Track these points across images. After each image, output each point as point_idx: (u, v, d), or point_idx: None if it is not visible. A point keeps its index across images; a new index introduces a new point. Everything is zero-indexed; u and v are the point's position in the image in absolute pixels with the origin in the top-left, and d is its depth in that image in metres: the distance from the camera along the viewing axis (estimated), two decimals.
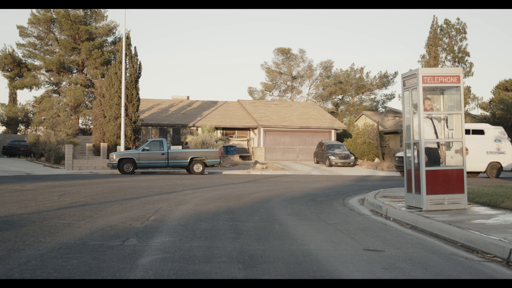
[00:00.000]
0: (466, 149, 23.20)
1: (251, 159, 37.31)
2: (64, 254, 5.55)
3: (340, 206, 10.76)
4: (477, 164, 24.02)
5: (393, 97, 63.12)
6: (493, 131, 24.93)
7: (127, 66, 30.13)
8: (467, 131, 24.53)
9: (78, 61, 46.63)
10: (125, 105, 28.94)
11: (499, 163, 24.31)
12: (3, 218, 8.20)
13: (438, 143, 9.16)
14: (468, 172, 25.16)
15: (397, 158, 25.09)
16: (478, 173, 25.19)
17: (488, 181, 20.93)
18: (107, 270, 4.90)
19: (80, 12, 46.33)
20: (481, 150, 23.90)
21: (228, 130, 39.55)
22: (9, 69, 46.72)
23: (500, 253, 5.63)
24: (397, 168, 25.18)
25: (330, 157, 31.97)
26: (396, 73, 61.21)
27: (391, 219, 8.82)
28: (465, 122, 21.68)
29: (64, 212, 9.03)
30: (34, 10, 46.16)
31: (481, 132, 24.56)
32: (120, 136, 28.50)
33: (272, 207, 10.37)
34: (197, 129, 37.75)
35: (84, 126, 48.64)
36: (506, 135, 25.23)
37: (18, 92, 52.27)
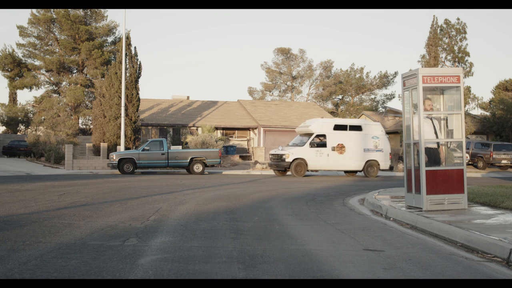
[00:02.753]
0: (343, 147, 22.61)
1: (251, 159, 37.29)
2: (64, 254, 5.55)
3: (340, 206, 10.75)
4: (354, 163, 22.62)
5: (393, 97, 63.21)
6: (371, 127, 23.26)
7: (127, 66, 30.12)
8: (344, 127, 23.06)
9: (78, 61, 46.62)
10: (125, 105, 28.94)
11: (376, 161, 22.73)
12: (3, 218, 8.20)
13: (438, 143, 9.16)
14: (345, 172, 23.94)
15: (270, 156, 23.49)
16: (355, 172, 23.64)
17: (488, 181, 20.91)
18: (107, 270, 4.90)
19: (80, 12, 46.31)
20: (359, 148, 22.44)
21: (228, 130, 39.54)
22: (9, 69, 46.71)
23: (500, 253, 5.63)
24: (270, 166, 23.56)
25: None
26: (396, 73, 61.28)
27: (391, 219, 8.82)
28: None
29: (64, 212, 9.02)
30: (34, 10, 46.19)
31: (358, 128, 22.97)
32: (120, 136, 28.49)
33: (272, 207, 10.37)
34: (197, 129, 37.74)
35: (84, 126, 48.62)
36: (384, 132, 23.56)
37: (18, 92, 52.33)
